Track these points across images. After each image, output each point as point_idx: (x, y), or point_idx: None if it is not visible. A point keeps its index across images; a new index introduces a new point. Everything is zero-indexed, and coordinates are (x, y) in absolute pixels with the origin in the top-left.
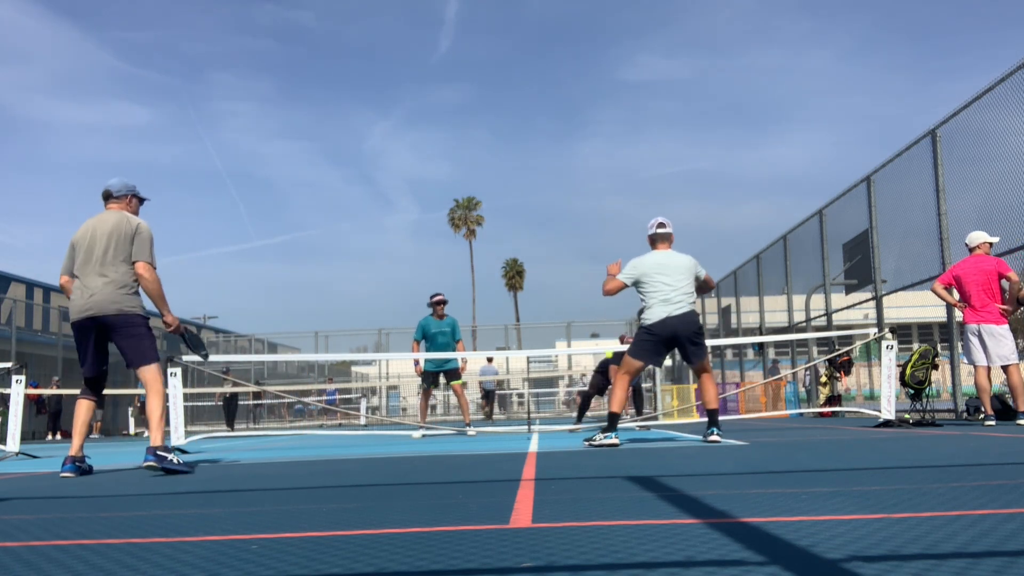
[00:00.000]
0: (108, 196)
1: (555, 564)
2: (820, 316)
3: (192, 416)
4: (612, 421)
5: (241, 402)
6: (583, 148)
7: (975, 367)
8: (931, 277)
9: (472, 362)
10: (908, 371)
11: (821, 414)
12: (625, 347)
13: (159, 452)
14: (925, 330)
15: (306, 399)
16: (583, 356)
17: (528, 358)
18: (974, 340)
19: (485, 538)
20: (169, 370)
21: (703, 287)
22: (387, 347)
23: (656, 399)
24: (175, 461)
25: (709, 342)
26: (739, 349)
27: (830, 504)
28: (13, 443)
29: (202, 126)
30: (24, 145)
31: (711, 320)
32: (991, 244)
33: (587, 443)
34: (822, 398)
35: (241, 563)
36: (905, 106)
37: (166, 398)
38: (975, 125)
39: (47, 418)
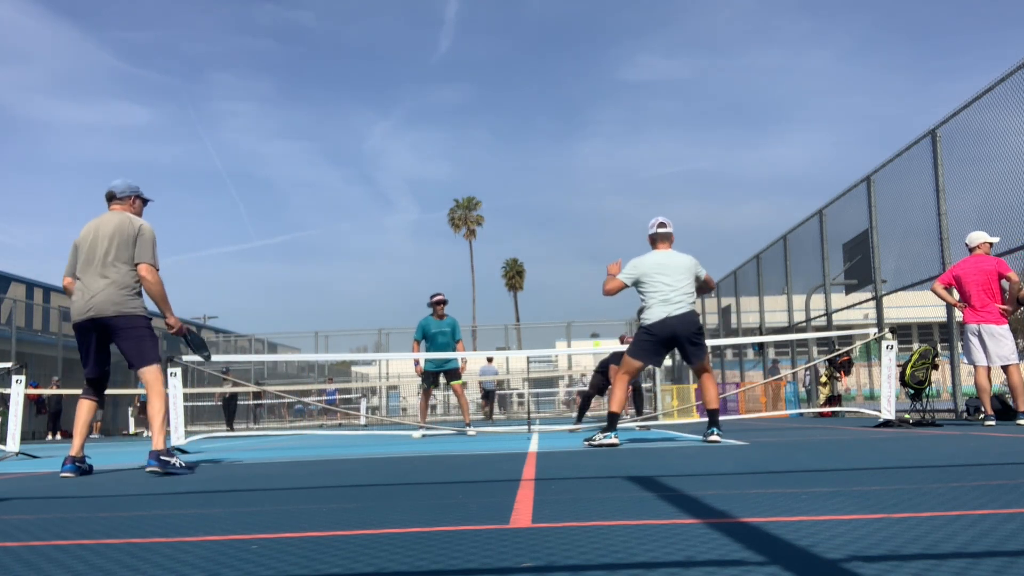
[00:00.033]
0: (112, 197)
1: (555, 564)
2: (820, 316)
3: (192, 416)
4: (611, 421)
5: (241, 402)
6: (583, 148)
7: (975, 367)
8: (931, 277)
9: (472, 362)
10: (908, 371)
11: (821, 414)
12: (624, 347)
13: (162, 457)
14: (925, 330)
15: (306, 399)
16: (583, 356)
17: (528, 358)
18: (974, 340)
19: (485, 538)
20: (169, 370)
21: (703, 287)
22: (387, 347)
23: (656, 399)
24: (177, 464)
25: (709, 342)
26: (739, 349)
27: (830, 504)
28: (13, 443)
29: (202, 126)
30: (24, 145)
31: (711, 320)
32: (991, 244)
33: (587, 443)
34: (822, 398)
35: (241, 563)
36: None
37: (167, 399)
38: (975, 125)
39: (47, 418)
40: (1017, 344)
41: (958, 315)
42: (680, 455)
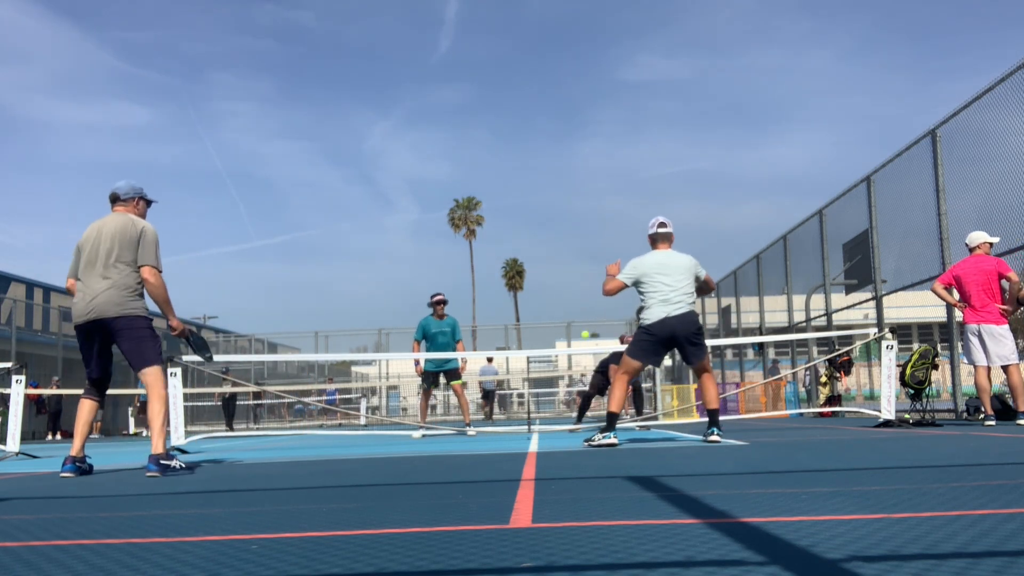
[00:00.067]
0: (115, 199)
1: (555, 564)
2: (820, 316)
3: (192, 416)
4: (611, 421)
5: (241, 402)
6: (583, 148)
7: (975, 367)
8: (931, 277)
9: (472, 362)
10: (908, 371)
11: (821, 414)
12: (624, 347)
13: (161, 461)
14: (925, 330)
15: (306, 399)
16: (583, 356)
17: (528, 358)
18: (974, 340)
19: (485, 538)
20: (169, 370)
21: (703, 288)
22: (387, 347)
23: (656, 399)
24: (177, 466)
25: (709, 342)
26: (739, 349)
27: (830, 504)
28: (13, 443)
29: (202, 126)
30: (24, 145)
31: (711, 320)
32: (991, 244)
33: (586, 443)
34: (822, 398)
35: (241, 563)
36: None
37: (168, 401)
38: (975, 125)
39: (47, 418)
40: (1017, 344)
41: (958, 315)
42: (680, 455)
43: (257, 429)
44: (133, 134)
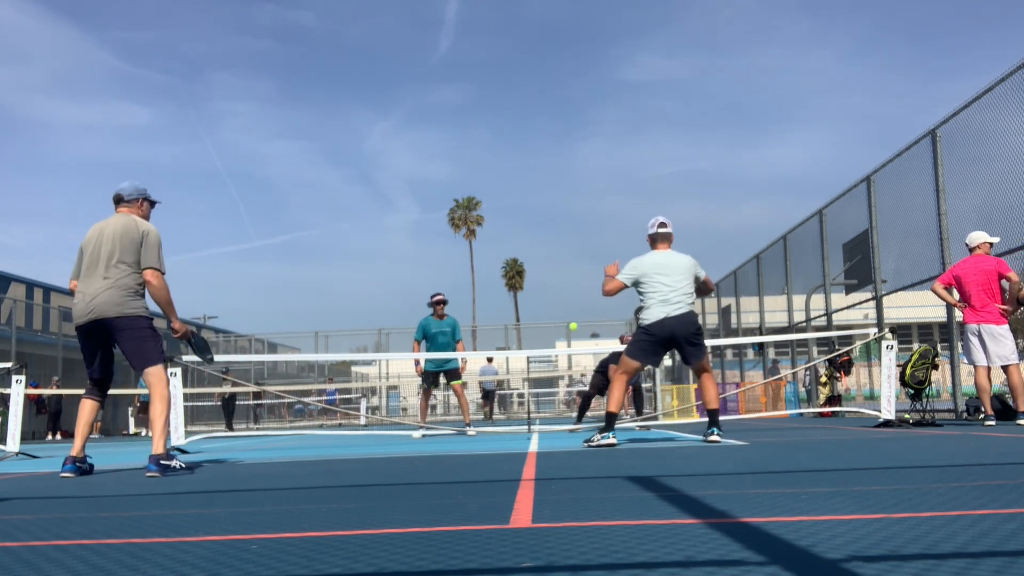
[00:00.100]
0: (119, 200)
1: (555, 564)
2: (820, 316)
3: (192, 416)
4: (609, 421)
5: (241, 402)
6: (583, 148)
7: (975, 367)
8: (931, 277)
9: (472, 362)
10: (908, 371)
11: (821, 414)
12: (623, 347)
13: (161, 462)
14: (925, 330)
15: (306, 399)
16: (583, 356)
17: (528, 358)
18: (974, 340)
19: (485, 538)
20: (169, 370)
21: (702, 289)
22: (387, 347)
23: (656, 399)
24: (177, 466)
25: (709, 342)
26: (739, 349)
27: (830, 504)
28: (13, 443)
29: (202, 126)
30: (24, 145)
31: (711, 320)
32: (991, 244)
33: (586, 444)
34: (822, 398)
35: (241, 563)
36: (905, 106)
37: (169, 402)
38: (975, 125)
39: (47, 418)
40: (1017, 344)
41: (958, 315)
42: (680, 455)
43: (257, 429)
44: (133, 134)
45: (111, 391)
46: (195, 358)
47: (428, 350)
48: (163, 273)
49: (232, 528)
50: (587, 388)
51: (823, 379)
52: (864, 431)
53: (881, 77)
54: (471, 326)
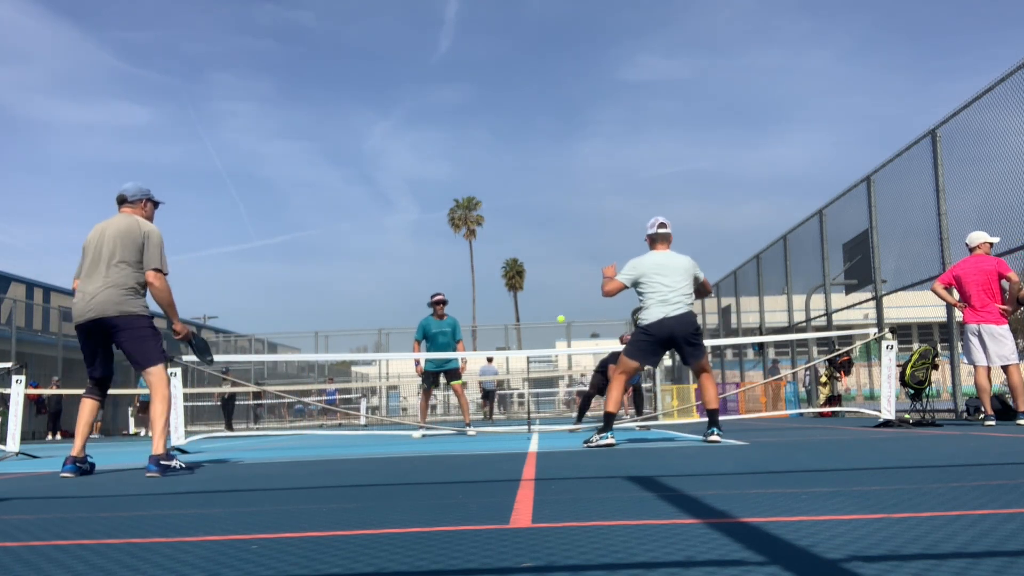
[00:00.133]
0: (122, 200)
1: (555, 564)
2: (820, 316)
3: (192, 416)
4: (608, 421)
5: (241, 402)
6: (583, 148)
7: (975, 367)
8: (931, 277)
9: (472, 362)
10: (908, 371)
11: (821, 414)
12: (623, 347)
13: (161, 462)
14: (925, 330)
15: (306, 399)
16: (583, 356)
17: (528, 358)
18: (974, 340)
19: (485, 538)
20: (169, 370)
21: (700, 290)
22: (387, 347)
23: (656, 399)
24: (177, 466)
25: (709, 342)
26: (739, 349)
27: (830, 504)
28: (13, 443)
29: (202, 126)
30: (24, 145)
31: (711, 320)
32: (991, 244)
33: (586, 444)
34: (822, 398)
35: (241, 563)
36: (905, 106)
37: (170, 402)
38: (975, 125)
39: (47, 418)
40: (1017, 344)
41: (958, 315)
42: (680, 455)
43: (257, 429)
44: (133, 134)
45: (111, 391)
46: (195, 359)
47: (428, 350)
48: (165, 274)
49: (232, 528)
50: (587, 388)
51: (823, 379)
52: (864, 431)
53: (881, 77)
54: (471, 326)
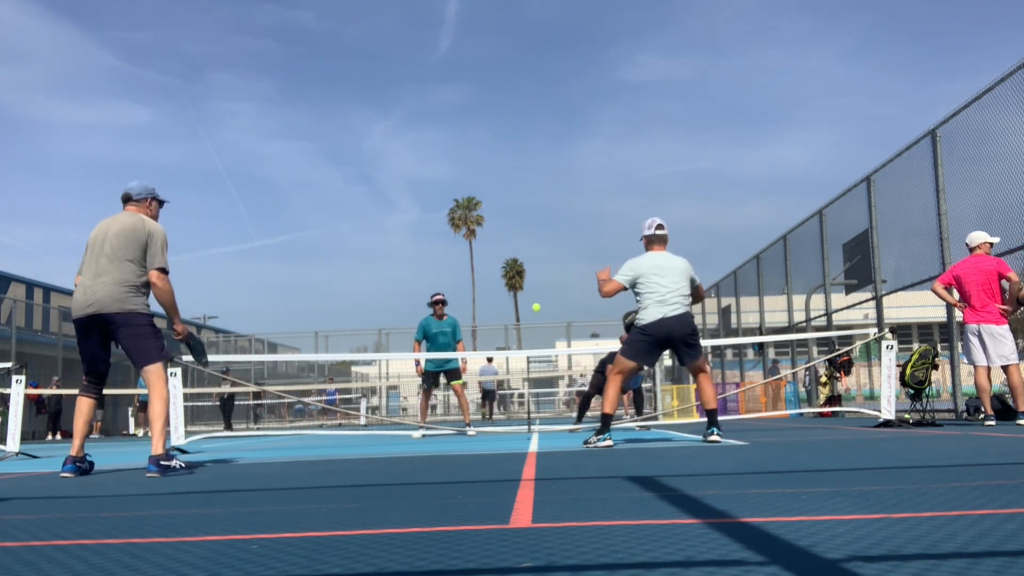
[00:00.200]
0: (127, 199)
1: (555, 564)
2: (820, 316)
3: (192, 416)
4: (605, 422)
5: (241, 402)
6: (583, 148)
7: (975, 367)
8: (931, 277)
9: (472, 362)
10: (908, 371)
11: (821, 414)
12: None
13: (161, 462)
14: (925, 330)
15: (306, 399)
16: (583, 356)
17: (528, 358)
18: (974, 340)
19: (485, 538)
20: (169, 370)
21: (694, 295)
22: (387, 347)
23: (656, 399)
24: (177, 466)
25: (709, 342)
26: (739, 349)
27: (830, 504)
28: (13, 443)
29: (202, 126)
30: (24, 145)
31: (711, 320)
32: (991, 244)
33: (585, 444)
34: (822, 398)
35: (241, 563)
36: (905, 106)
37: (168, 401)
38: (975, 125)
39: (47, 418)
40: (1017, 344)
41: (958, 315)
42: (680, 455)
43: (257, 429)
44: (133, 134)
45: (112, 391)
46: (191, 359)
47: (428, 350)
48: (167, 272)
49: (232, 528)
50: (587, 388)
51: (823, 379)
52: (864, 431)
53: (881, 77)
54: (471, 326)
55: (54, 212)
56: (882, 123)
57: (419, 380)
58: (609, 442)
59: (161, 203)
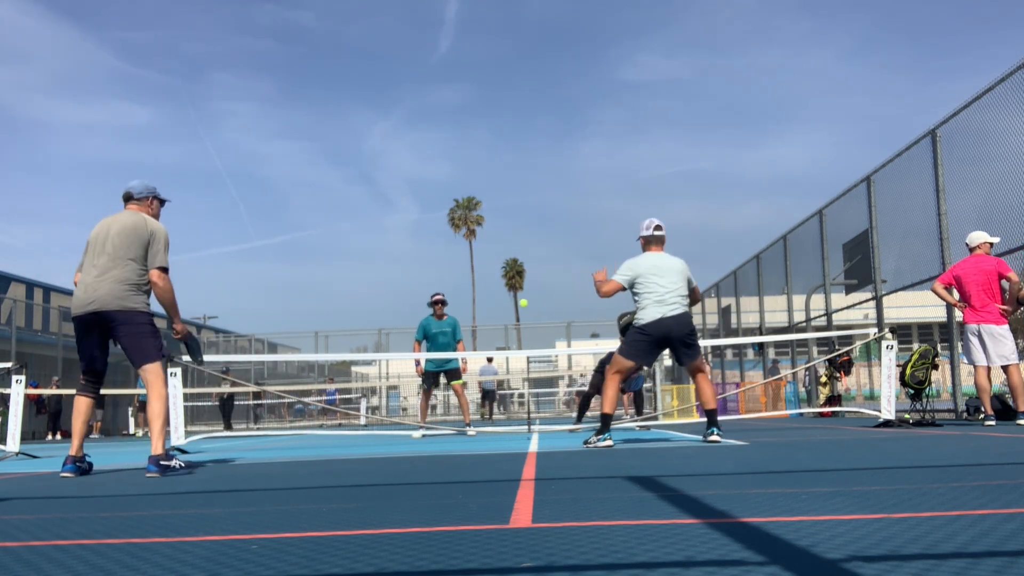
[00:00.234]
0: (128, 198)
1: (555, 564)
2: (820, 316)
3: (192, 416)
4: (605, 423)
5: (241, 402)
6: (583, 148)
7: (975, 367)
8: (931, 277)
9: (472, 362)
10: (908, 371)
11: (821, 414)
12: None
13: (161, 462)
14: (925, 330)
15: (306, 399)
16: (583, 356)
17: (528, 358)
18: (974, 340)
19: (485, 538)
20: (169, 370)
21: (690, 297)
22: (387, 347)
23: (656, 399)
24: (177, 466)
25: (709, 342)
26: (739, 349)
27: (830, 504)
28: (13, 443)
29: (202, 126)
30: (24, 145)
31: (711, 320)
32: (991, 244)
33: (585, 444)
34: (822, 398)
35: (241, 563)
36: (905, 106)
37: (167, 400)
38: (975, 125)
39: (47, 418)
40: (1017, 344)
41: (958, 315)
42: (680, 455)
43: (257, 429)
44: (133, 134)
45: (112, 391)
46: (188, 358)
47: (428, 350)
48: (167, 270)
49: (232, 528)
50: (587, 388)
51: (823, 379)
52: (864, 431)
53: (881, 77)
54: (471, 326)
55: (54, 212)
56: (882, 123)
57: (419, 380)
58: (609, 442)
59: (162, 202)
